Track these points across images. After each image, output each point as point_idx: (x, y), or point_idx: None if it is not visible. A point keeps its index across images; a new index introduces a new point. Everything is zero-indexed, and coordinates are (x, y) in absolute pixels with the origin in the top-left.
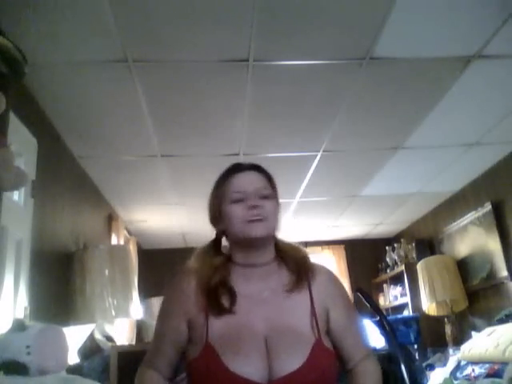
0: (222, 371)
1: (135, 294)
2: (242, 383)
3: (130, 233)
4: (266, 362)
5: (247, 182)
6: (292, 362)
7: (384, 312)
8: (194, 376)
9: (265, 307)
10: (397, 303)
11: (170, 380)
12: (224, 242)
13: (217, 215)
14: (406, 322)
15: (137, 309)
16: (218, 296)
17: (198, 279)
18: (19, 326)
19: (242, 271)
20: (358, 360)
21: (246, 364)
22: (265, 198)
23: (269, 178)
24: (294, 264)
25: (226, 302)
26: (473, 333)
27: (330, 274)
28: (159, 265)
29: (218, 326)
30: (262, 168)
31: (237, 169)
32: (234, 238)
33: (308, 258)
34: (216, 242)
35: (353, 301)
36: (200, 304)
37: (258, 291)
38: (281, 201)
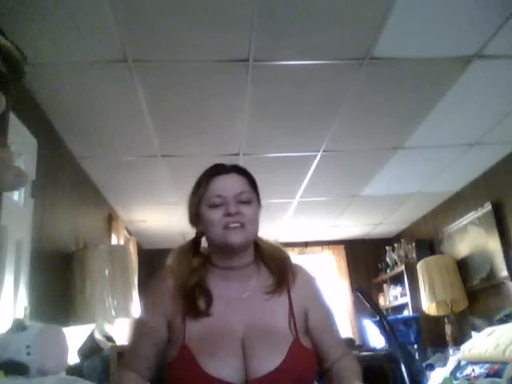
0: (197, 373)
1: (135, 294)
2: None
3: (130, 233)
4: (243, 363)
5: (227, 186)
6: (269, 362)
7: (384, 312)
8: (171, 378)
9: (242, 309)
10: (397, 303)
11: (150, 382)
12: (203, 241)
13: (195, 216)
14: (406, 321)
15: (137, 309)
16: (194, 298)
17: (175, 280)
18: (19, 326)
19: (221, 273)
20: (336, 359)
21: (222, 366)
22: (245, 203)
23: (251, 181)
24: (275, 266)
25: (202, 304)
26: (473, 333)
27: (309, 276)
28: (159, 265)
29: (195, 328)
30: (245, 170)
31: (218, 170)
32: (211, 242)
33: (288, 259)
34: (195, 242)
35: (353, 301)
36: (177, 306)
37: (236, 293)
38: (281, 201)
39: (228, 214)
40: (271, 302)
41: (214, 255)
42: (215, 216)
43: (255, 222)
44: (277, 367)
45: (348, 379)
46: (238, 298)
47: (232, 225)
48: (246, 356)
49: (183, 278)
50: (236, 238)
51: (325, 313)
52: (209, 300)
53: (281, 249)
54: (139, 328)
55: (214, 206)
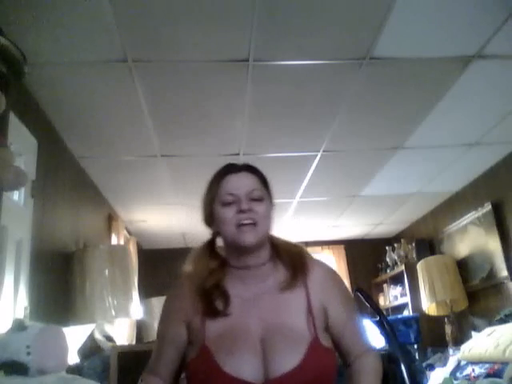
0: (216, 372)
1: (135, 293)
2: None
3: (130, 233)
4: (262, 363)
5: (239, 184)
6: (288, 361)
7: (384, 312)
8: (190, 377)
9: (260, 308)
10: (397, 303)
11: None
12: (219, 241)
13: (209, 216)
14: (406, 322)
15: (137, 309)
16: (212, 299)
17: (193, 284)
18: (19, 326)
19: (237, 273)
20: (356, 355)
21: (240, 365)
22: (257, 200)
23: (262, 179)
24: (289, 260)
25: (220, 304)
26: (473, 333)
27: (327, 268)
28: (159, 265)
29: (214, 328)
30: (256, 169)
31: (230, 169)
32: (226, 241)
33: (304, 253)
34: (211, 243)
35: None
36: (196, 307)
37: (254, 292)
38: (281, 201)
39: (240, 211)
40: (288, 298)
41: (230, 255)
42: (228, 214)
43: (267, 220)
44: (296, 366)
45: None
46: (255, 298)
47: (244, 221)
48: (264, 355)
49: (201, 279)
50: (248, 236)
51: (345, 307)
52: (226, 300)
53: (296, 244)
54: (162, 331)
55: (227, 203)
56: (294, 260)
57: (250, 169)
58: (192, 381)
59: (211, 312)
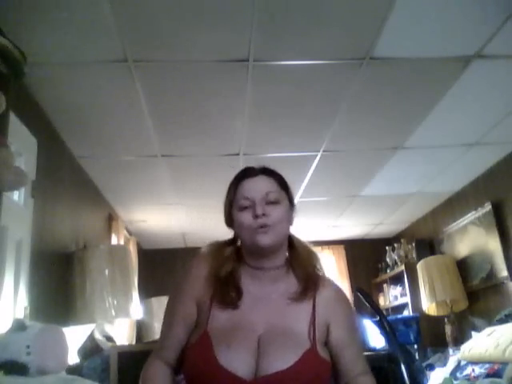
0: (210, 362)
1: (135, 293)
2: (226, 377)
3: (130, 233)
4: (255, 360)
5: (255, 189)
6: (281, 362)
7: (384, 312)
8: (187, 362)
9: (267, 309)
10: (397, 303)
11: (176, 370)
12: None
13: (229, 219)
14: (406, 321)
15: (137, 309)
16: (226, 289)
17: (209, 267)
18: (19, 326)
19: (252, 272)
20: (354, 376)
21: (234, 358)
22: (273, 203)
23: (280, 181)
24: (303, 274)
25: (232, 296)
26: (473, 333)
27: (337, 290)
28: (159, 265)
29: (219, 317)
30: (272, 171)
31: (247, 173)
32: (244, 243)
33: (318, 268)
34: (233, 241)
35: (353, 301)
36: (208, 292)
37: (264, 293)
38: None
39: (255, 216)
40: (295, 306)
41: (246, 255)
42: (244, 219)
43: (284, 223)
44: (287, 368)
45: None
46: (265, 298)
47: (260, 225)
48: (259, 353)
49: (217, 265)
50: (264, 239)
51: (348, 328)
52: (239, 293)
53: (312, 254)
54: (172, 312)
55: (243, 208)
56: (307, 273)
57: (266, 172)
58: (187, 366)
59: (222, 301)
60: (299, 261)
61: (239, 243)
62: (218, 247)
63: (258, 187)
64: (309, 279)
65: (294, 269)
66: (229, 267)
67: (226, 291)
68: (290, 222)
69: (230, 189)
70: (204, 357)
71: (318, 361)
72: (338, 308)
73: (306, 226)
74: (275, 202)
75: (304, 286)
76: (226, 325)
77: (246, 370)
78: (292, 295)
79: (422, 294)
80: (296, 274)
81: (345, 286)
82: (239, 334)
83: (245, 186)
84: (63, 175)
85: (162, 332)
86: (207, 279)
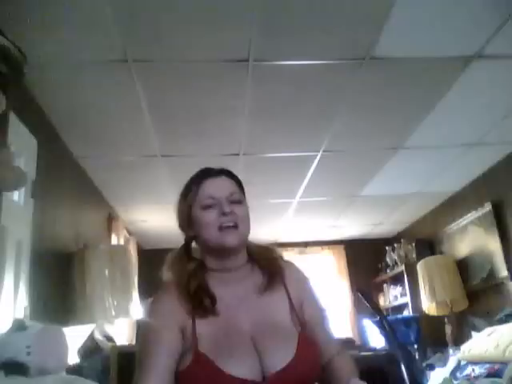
0: (217, 375)
1: (135, 294)
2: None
3: (129, 233)
4: (258, 360)
5: (219, 188)
6: (282, 356)
7: (384, 312)
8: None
9: (246, 308)
10: (397, 303)
11: None
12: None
13: (186, 221)
14: (406, 321)
15: (137, 309)
16: (199, 300)
17: (177, 288)
18: (19, 326)
19: (217, 276)
20: (333, 354)
21: (240, 365)
22: (237, 203)
23: (239, 183)
24: (265, 263)
25: (208, 303)
26: (473, 333)
27: (299, 269)
28: (159, 265)
29: (205, 332)
30: (232, 172)
31: (208, 173)
32: (206, 244)
33: (277, 255)
34: (186, 247)
35: (353, 301)
36: (185, 313)
37: (236, 293)
38: (281, 201)
39: (223, 214)
40: (271, 297)
41: (209, 259)
42: (209, 217)
43: (247, 222)
44: (291, 360)
45: (346, 378)
46: (238, 298)
47: (227, 224)
48: (259, 353)
49: (183, 283)
50: (232, 239)
51: (318, 307)
52: (213, 300)
53: (271, 248)
54: (155, 341)
55: (208, 207)
56: (269, 263)
57: (226, 173)
58: None
59: (201, 311)
60: (257, 254)
61: (194, 244)
62: (179, 264)
63: (222, 187)
64: (272, 267)
65: (257, 263)
66: (196, 281)
67: (201, 301)
68: (249, 221)
69: (188, 189)
70: (208, 373)
71: (311, 345)
72: (306, 287)
73: (306, 226)
74: (239, 202)
75: (270, 274)
76: (216, 337)
77: (255, 373)
78: (261, 287)
79: (422, 294)
80: (260, 266)
81: (345, 286)
82: (233, 339)
83: (208, 186)
84: (63, 175)
85: (144, 368)
86: (181, 301)
